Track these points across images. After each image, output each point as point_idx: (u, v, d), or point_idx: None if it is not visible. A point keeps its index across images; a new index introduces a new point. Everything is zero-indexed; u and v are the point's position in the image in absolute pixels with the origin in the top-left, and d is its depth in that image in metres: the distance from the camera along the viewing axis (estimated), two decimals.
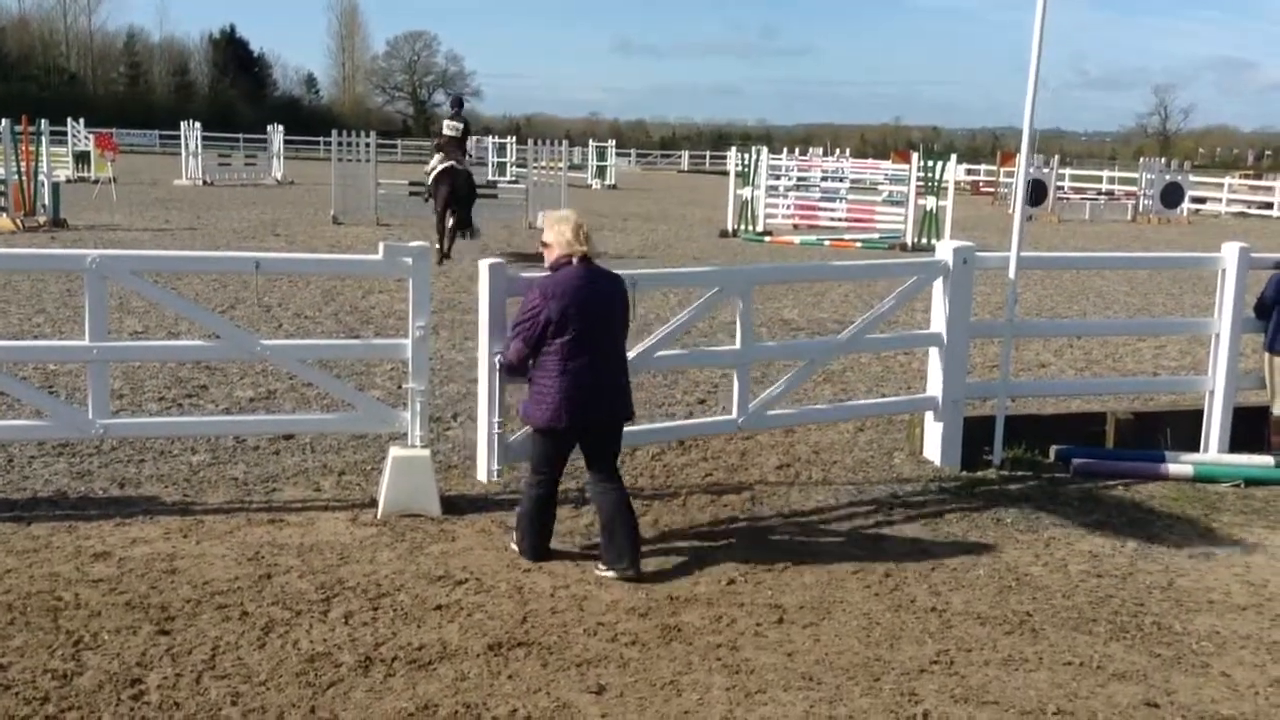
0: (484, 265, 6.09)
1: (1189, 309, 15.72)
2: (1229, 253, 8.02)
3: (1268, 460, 7.84)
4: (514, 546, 5.89)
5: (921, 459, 7.86)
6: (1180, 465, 7.74)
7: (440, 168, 17.97)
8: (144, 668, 4.52)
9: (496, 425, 6.09)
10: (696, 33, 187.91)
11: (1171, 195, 33.74)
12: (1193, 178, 38.08)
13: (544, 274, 5.65)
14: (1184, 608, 5.57)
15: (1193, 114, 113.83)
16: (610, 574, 5.59)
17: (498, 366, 5.96)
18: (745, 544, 6.18)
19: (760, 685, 4.60)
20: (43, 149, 22.11)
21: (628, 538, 5.61)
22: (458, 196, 17.67)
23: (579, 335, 5.45)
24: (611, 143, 49.26)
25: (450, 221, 17.77)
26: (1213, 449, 8.13)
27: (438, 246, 17.14)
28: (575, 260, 5.54)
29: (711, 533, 6.35)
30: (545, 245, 5.67)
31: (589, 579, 5.61)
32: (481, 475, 6.30)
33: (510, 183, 35.04)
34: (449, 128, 18.56)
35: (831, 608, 5.37)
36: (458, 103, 20.11)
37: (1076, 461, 7.76)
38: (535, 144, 26.22)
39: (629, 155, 69.18)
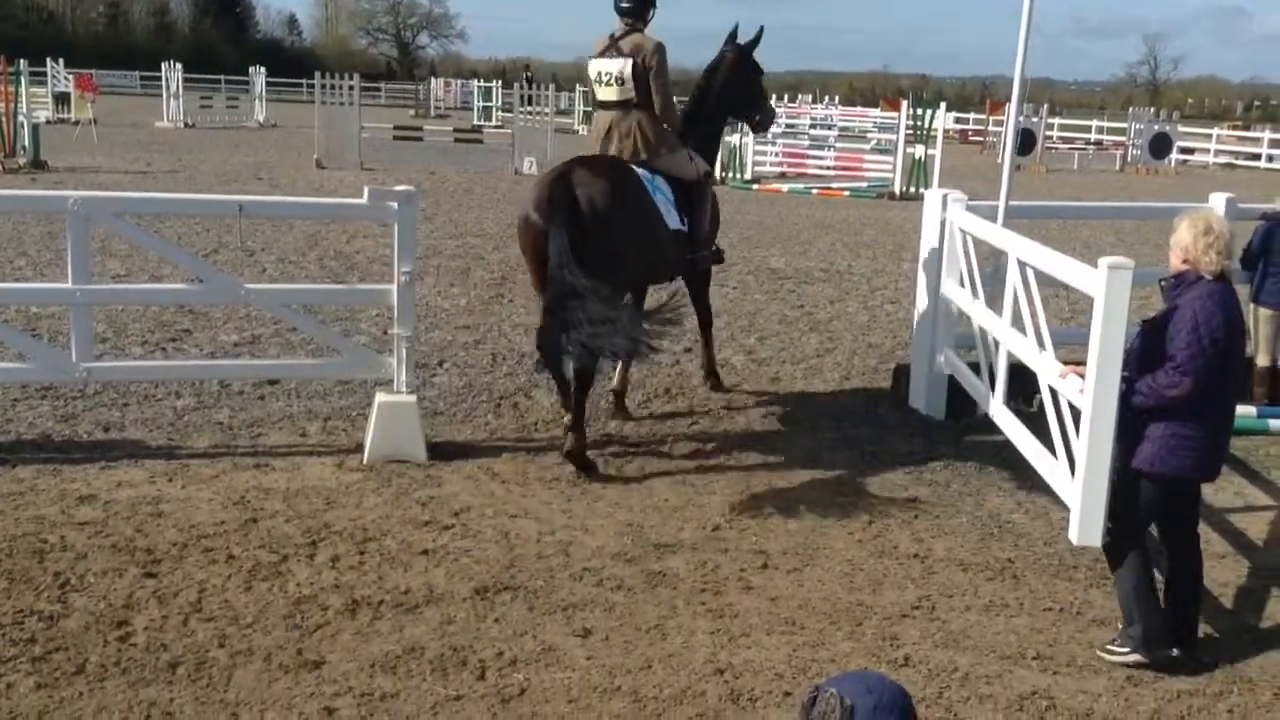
0: (1110, 264, 4.65)
1: None
2: (1216, 203, 8.00)
3: (1250, 410, 7.90)
4: (1114, 651, 4.56)
5: (907, 408, 7.89)
6: None
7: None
8: (130, 610, 4.54)
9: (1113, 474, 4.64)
10: None
11: (1159, 146, 33.64)
12: (1181, 128, 37.94)
13: (1197, 287, 4.45)
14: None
15: (1183, 64, 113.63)
16: (1136, 657, 4.51)
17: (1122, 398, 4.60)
18: (730, 491, 6.22)
19: (744, 629, 4.64)
20: (22, 89, 21.81)
21: (1191, 613, 4.69)
22: None
23: (1236, 369, 4.48)
24: None
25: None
26: None
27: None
28: (1208, 276, 4.46)
29: (697, 480, 6.38)
30: (1174, 249, 4.60)
31: (575, 525, 5.64)
32: (1093, 538, 4.71)
33: (495, 128, 34.84)
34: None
35: (815, 554, 5.42)
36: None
37: None
38: (521, 88, 25.98)
39: None
